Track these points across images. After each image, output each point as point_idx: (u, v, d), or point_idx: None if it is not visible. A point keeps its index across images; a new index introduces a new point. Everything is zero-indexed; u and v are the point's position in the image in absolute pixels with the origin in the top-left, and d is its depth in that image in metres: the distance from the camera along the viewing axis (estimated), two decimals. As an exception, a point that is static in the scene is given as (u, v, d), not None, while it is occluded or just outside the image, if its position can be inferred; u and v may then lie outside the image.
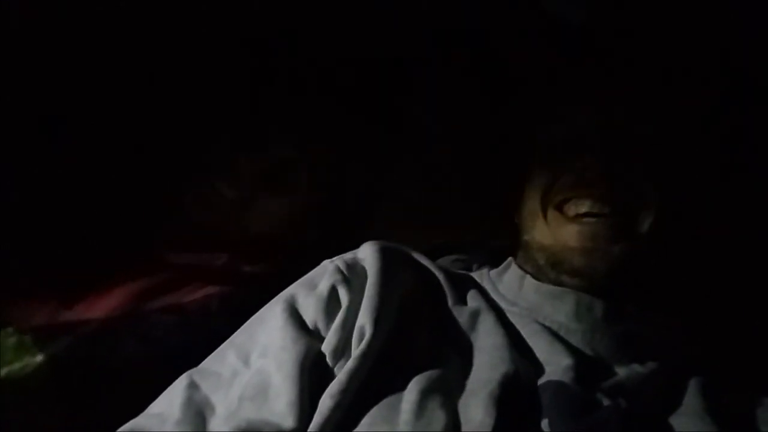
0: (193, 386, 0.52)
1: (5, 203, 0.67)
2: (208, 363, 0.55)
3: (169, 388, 0.53)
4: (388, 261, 0.58)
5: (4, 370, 0.58)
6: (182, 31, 0.73)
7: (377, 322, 0.53)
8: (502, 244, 0.70)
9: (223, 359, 0.55)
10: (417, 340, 0.54)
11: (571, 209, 0.59)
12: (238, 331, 0.58)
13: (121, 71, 0.72)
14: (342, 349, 0.53)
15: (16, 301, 0.63)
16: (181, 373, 0.54)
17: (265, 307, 0.58)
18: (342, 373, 0.50)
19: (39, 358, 0.59)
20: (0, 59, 0.65)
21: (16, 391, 0.57)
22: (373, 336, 0.52)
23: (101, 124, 0.72)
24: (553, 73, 0.68)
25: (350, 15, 0.72)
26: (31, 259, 0.67)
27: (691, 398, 0.55)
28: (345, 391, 0.49)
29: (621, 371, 0.56)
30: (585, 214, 0.58)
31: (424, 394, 0.49)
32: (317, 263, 0.60)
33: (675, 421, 0.53)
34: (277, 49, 0.76)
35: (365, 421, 0.48)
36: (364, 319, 0.53)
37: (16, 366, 0.58)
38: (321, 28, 0.74)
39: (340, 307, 0.55)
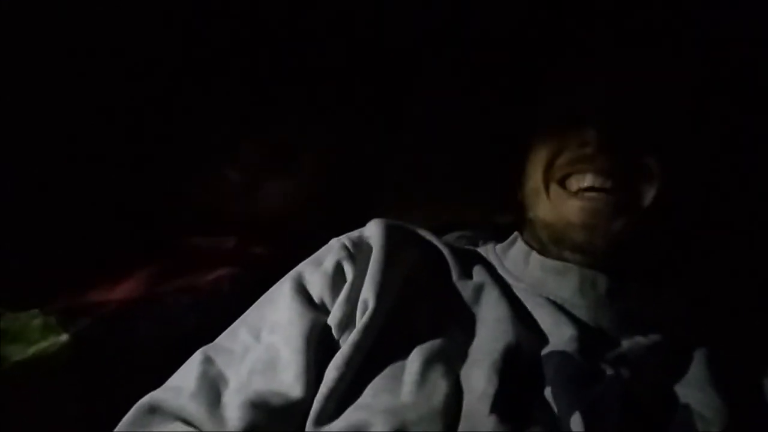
0: (207, 361, 0.54)
1: (30, 191, 0.70)
2: (221, 340, 0.58)
3: (186, 364, 0.55)
4: (392, 237, 0.59)
5: (33, 349, 0.60)
6: (185, 17, 0.74)
7: (380, 295, 0.54)
8: (508, 220, 0.71)
9: (236, 336, 0.57)
10: (420, 313, 0.56)
11: (573, 184, 0.59)
12: (250, 309, 0.60)
13: (127, 57, 0.74)
14: (346, 323, 0.54)
15: (39, 284, 0.66)
16: (195, 351, 0.56)
17: (274, 285, 0.60)
18: (346, 345, 0.52)
19: (64, 337, 0.61)
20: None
21: (45, 370, 0.60)
22: (376, 309, 0.54)
23: (112, 112, 0.74)
24: (554, 47, 0.68)
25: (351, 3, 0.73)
26: (52, 245, 0.70)
27: (696, 370, 0.55)
28: (349, 363, 0.51)
29: (625, 343, 0.56)
30: (587, 189, 0.58)
31: (427, 365, 0.50)
32: (325, 243, 0.61)
33: (679, 391, 0.54)
34: (279, 34, 0.77)
35: (368, 392, 0.50)
36: (368, 293, 0.55)
37: (43, 345, 0.61)
38: (323, 15, 0.75)
39: (345, 282, 0.57)
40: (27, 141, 0.70)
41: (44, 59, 0.69)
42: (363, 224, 0.62)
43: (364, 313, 0.54)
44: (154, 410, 0.52)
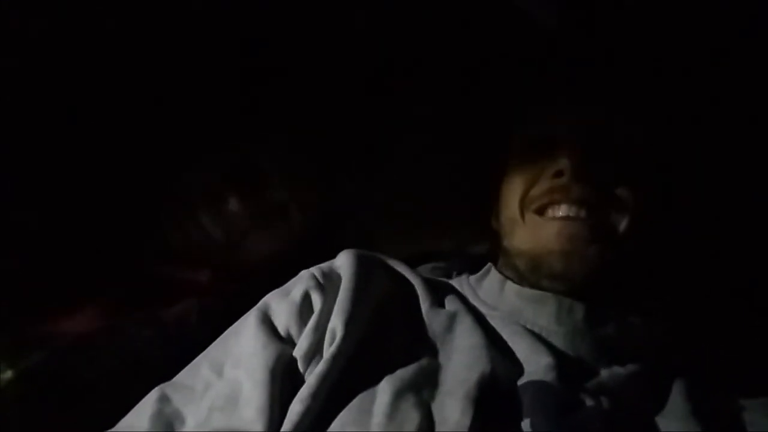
0: (164, 399, 0.52)
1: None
2: (181, 376, 0.55)
3: (140, 403, 0.53)
4: (362, 267, 0.58)
5: (-25, 386, 0.57)
6: (161, 54, 0.74)
7: (348, 324, 0.52)
8: (482, 251, 0.70)
9: (197, 372, 0.54)
10: (391, 342, 0.54)
11: (549, 214, 0.59)
12: (214, 343, 0.57)
13: (106, 87, 0.73)
14: (313, 353, 0.52)
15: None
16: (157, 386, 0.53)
17: (241, 318, 0.58)
18: (312, 376, 0.50)
19: (8, 374, 0.58)
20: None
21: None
22: (344, 338, 0.52)
23: (79, 138, 0.73)
24: (526, 76, 0.69)
25: (328, 26, 0.73)
26: (4, 269, 0.67)
27: (676, 400, 0.54)
28: (315, 395, 0.49)
29: (603, 372, 0.55)
30: (562, 218, 0.58)
31: (397, 395, 0.48)
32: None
33: (659, 421, 0.52)
34: (255, 66, 0.77)
35: (336, 425, 0.47)
36: (336, 322, 0.53)
37: None
38: (298, 44, 0.75)
39: (312, 312, 0.55)
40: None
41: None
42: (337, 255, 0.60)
43: (332, 342, 0.52)
44: None
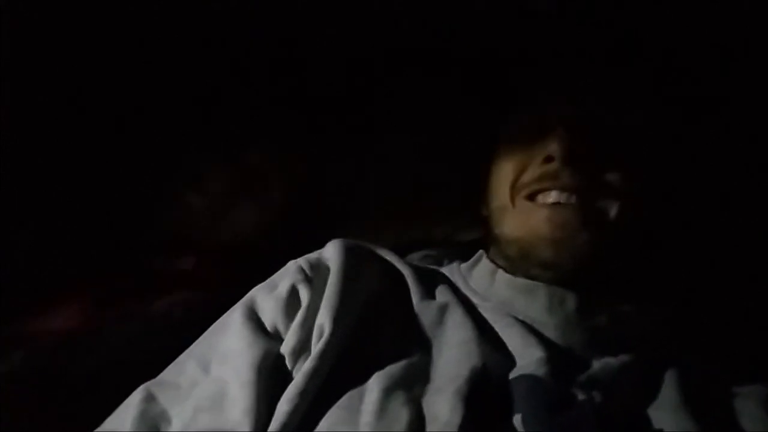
0: (149, 399, 0.50)
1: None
2: (166, 374, 0.54)
3: (124, 403, 0.51)
4: (351, 259, 0.56)
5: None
6: (151, 42, 0.72)
7: (337, 320, 0.51)
8: (473, 238, 0.68)
9: (183, 369, 0.53)
10: (381, 338, 0.53)
11: (539, 200, 0.58)
12: (199, 339, 0.56)
13: (92, 79, 0.72)
14: (301, 350, 0.51)
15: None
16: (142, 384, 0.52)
17: (226, 313, 0.57)
18: (299, 375, 0.49)
19: None
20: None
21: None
22: (332, 334, 0.50)
23: (68, 131, 0.71)
24: (519, 63, 0.67)
25: (321, 15, 0.71)
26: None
27: (668, 391, 0.53)
28: (303, 394, 0.48)
29: (595, 364, 0.54)
30: (552, 204, 0.57)
31: (387, 393, 0.47)
32: None
33: (652, 414, 0.52)
34: (249, 60, 0.75)
35: (324, 424, 0.47)
36: (324, 318, 0.52)
37: None
38: (288, 29, 0.73)
39: (300, 306, 0.54)
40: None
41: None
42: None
43: (320, 338, 0.51)
44: None
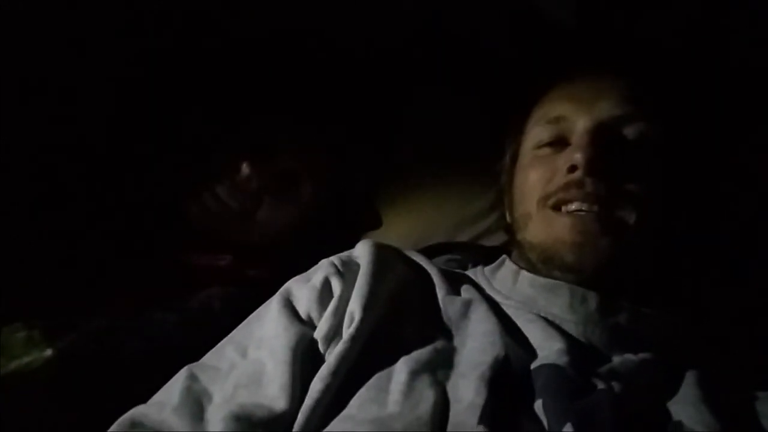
0: (192, 377, 0.54)
1: (17, 202, 0.70)
2: (207, 358, 0.57)
3: (170, 381, 0.55)
4: (380, 256, 0.60)
5: (14, 364, 0.60)
6: (181, 39, 0.75)
7: (367, 308, 0.54)
8: (497, 243, 0.71)
9: (222, 354, 0.57)
10: (407, 325, 0.56)
11: (563, 209, 0.60)
12: (238, 327, 0.59)
13: (129, 76, 0.75)
14: (333, 335, 0.54)
15: (25, 298, 0.65)
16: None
17: (264, 304, 0.60)
18: (332, 356, 0.52)
19: (48, 352, 0.61)
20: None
21: (25, 385, 0.59)
22: (362, 320, 0.53)
23: (108, 130, 0.75)
24: (540, 74, 0.70)
25: (343, 16, 0.75)
26: (40, 258, 0.70)
27: (689, 389, 0.54)
28: (334, 374, 0.50)
29: (615, 359, 0.55)
30: (575, 212, 0.59)
31: (413, 375, 0.50)
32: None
33: (672, 408, 0.53)
34: (275, 55, 0.79)
35: (354, 403, 0.49)
36: (354, 305, 0.55)
37: (25, 360, 0.60)
38: (313, 31, 0.77)
39: (332, 297, 0.57)
40: (15, 154, 0.70)
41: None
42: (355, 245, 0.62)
43: (350, 325, 0.54)
44: (136, 425, 0.51)
